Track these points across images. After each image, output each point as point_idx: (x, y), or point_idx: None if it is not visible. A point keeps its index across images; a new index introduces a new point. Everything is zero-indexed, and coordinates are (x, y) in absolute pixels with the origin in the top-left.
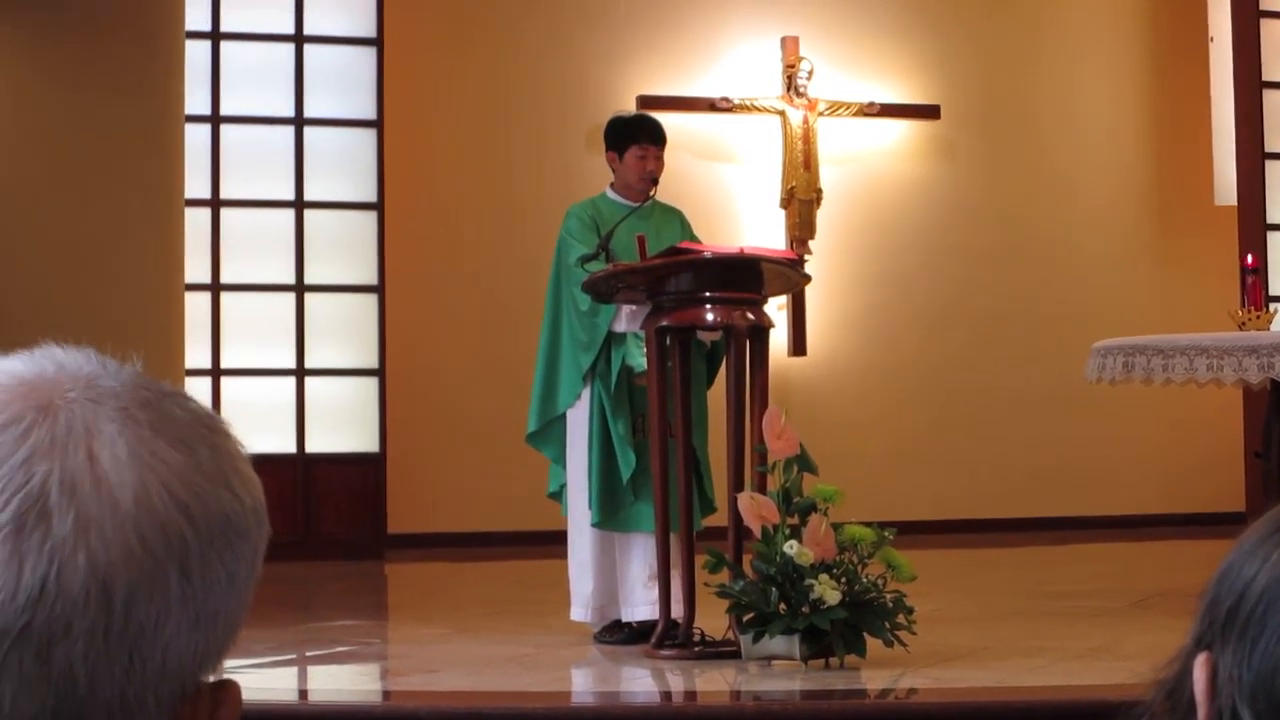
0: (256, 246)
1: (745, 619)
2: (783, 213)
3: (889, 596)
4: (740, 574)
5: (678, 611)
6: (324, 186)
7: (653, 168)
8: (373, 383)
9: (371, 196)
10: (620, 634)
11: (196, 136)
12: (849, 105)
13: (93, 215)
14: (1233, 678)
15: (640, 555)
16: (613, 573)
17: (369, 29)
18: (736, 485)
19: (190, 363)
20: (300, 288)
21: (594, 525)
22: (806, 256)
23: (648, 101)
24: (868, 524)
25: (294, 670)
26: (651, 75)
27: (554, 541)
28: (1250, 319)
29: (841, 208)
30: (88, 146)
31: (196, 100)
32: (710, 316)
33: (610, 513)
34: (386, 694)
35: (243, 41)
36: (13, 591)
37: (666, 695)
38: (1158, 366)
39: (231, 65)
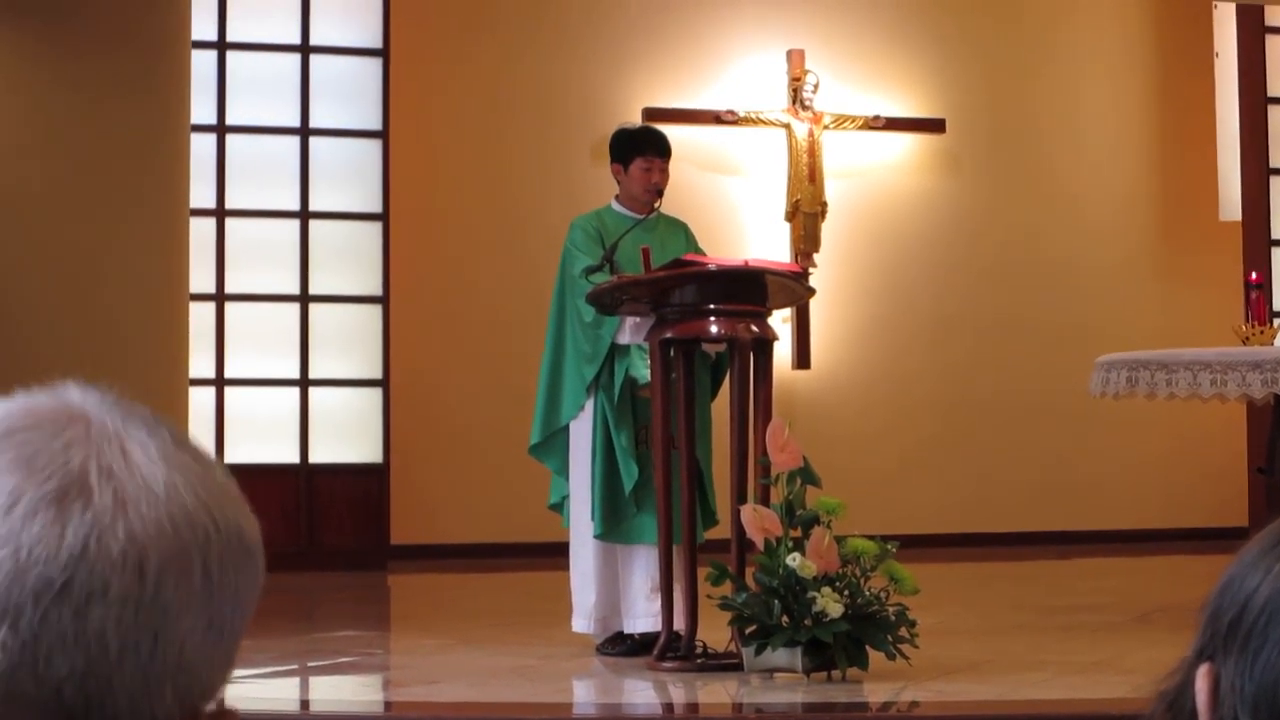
0: (261, 257)
1: (747, 631)
2: (787, 226)
3: (891, 609)
4: (743, 586)
5: (680, 623)
6: (329, 197)
7: (658, 180)
8: (376, 393)
9: (376, 207)
10: (622, 646)
11: (202, 146)
12: (854, 119)
13: (97, 224)
14: (1235, 689)
15: (643, 567)
16: (615, 584)
17: (375, 39)
18: (739, 497)
19: (194, 372)
20: (305, 298)
21: (596, 537)
22: (811, 270)
23: (653, 114)
24: (871, 537)
25: (296, 680)
26: (657, 87)
27: (556, 553)
28: (1254, 334)
29: (846, 221)
30: (93, 155)
31: (202, 110)
32: (714, 329)
33: (613, 524)
34: (388, 705)
35: (249, 52)
36: (55, 549)
37: (669, 707)
38: (1161, 381)
39: (237, 75)
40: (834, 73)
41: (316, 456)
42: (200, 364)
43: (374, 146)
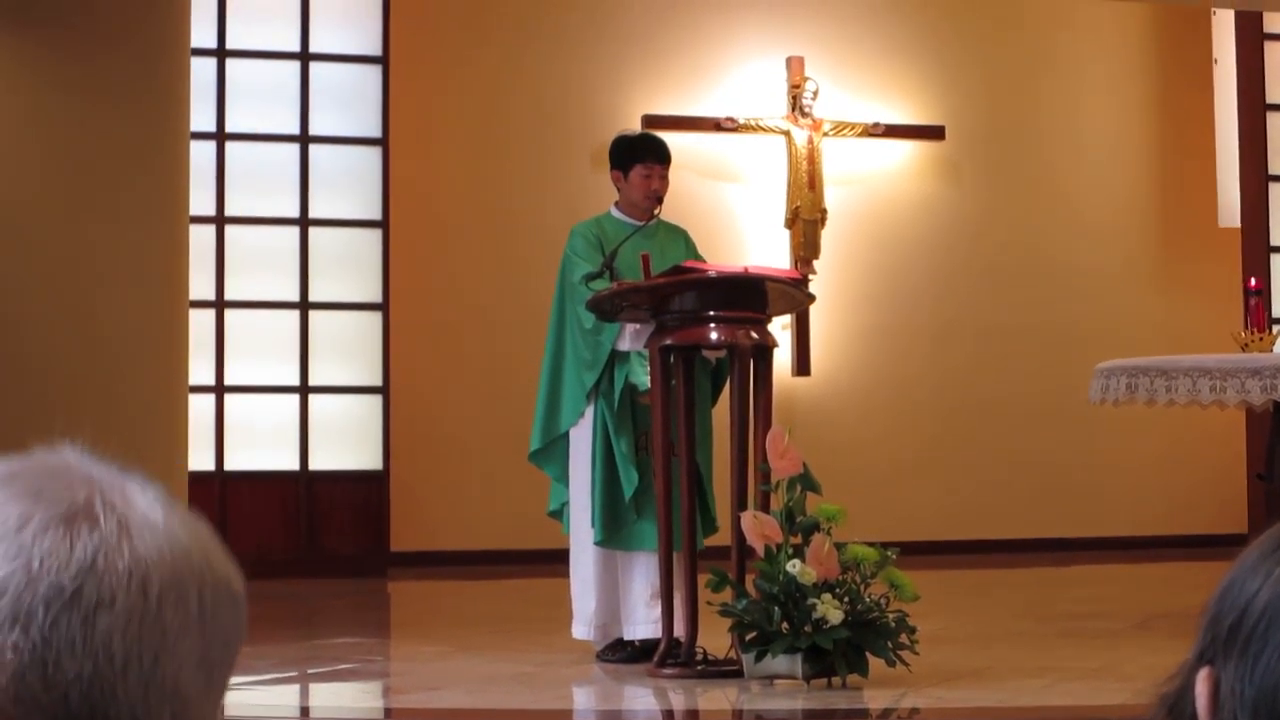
0: (261, 264)
1: (748, 638)
2: (787, 232)
3: (892, 616)
4: (743, 593)
5: (680, 630)
6: (329, 204)
7: (657, 187)
8: (376, 400)
9: (376, 214)
10: (622, 652)
11: (202, 153)
12: (854, 126)
13: (97, 231)
14: (1235, 693)
15: (643, 573)
16: (615, 591)
17: (375, 47)
18: (740, 504)
19: (194, 379)
20: (304, 305)
21: (597, 543)
22: (811, 276)
23: (653, 121)
24: (871, 543)
25: (296, 688)
26: (657, 94)
27: (556, 560)
28: (1253, 340)
29: (846, 228)
30: (92, 162)
31: (202, 117)
32: (714, 335)
33: (613, 531)
34: (388, 711)
35: (248, 59)
36: (66, 560)
37: (669, 714)
38: (1161, 388)
39: (237, 82)
40: (833, 80)
41: (316, 463)
42: (200, 371)
43: (374, 154)
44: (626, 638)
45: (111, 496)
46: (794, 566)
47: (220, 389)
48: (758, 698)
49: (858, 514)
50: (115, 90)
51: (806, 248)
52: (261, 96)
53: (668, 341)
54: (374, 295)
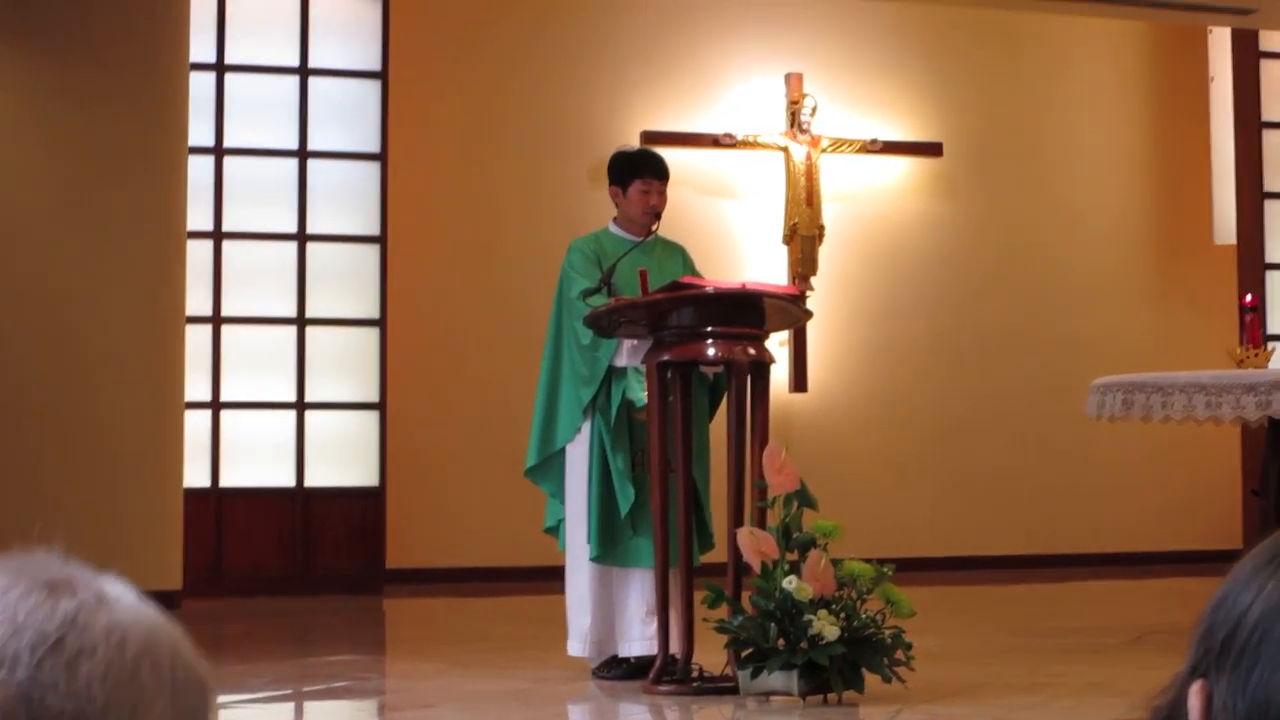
0: (258, 279)
1: (744, 654)
2: (785, 249)
3: (888, 632)
4: (739, 609)
5: (676, 647)
6: (327, 220)
7: (656, 203)
8: (373, 416)
9: (374, 230)
10: (618, 669)
11: (200, 168)
12: (852, 142)
13: (94, 245)
14: (1228, 706)
15: (639, 590)
16: (611, 607)
17: (373, 62)
18: (736, 520)
19: (190, 395)
20: (302, 321)
21: (592, 559)
22: (808, 292)
23: (651, 137)
24: (867, 560)
25: (291, 705)
26: (655, 110)
27: (552, 577)
28: (1248, 357)
29: (844, 244)
30: (90, 177)
31: (200, 132)
32: (711, 351)
33: (609, 547)
34: None
35: (247, 74)
36: (49, 615)
37: None
38: (1156, 404)
39: (236, 97)
40: (831, 96)
41: (313, 480)
42: (196, 387)
43: (372, 169)
44: (622, 654)
45: (88, 579)
46: (790, 583)
47: (216, 405)
48: (753, 714)
49: (854, 529)
50: (114, 106)
51: (804, 264)
52: (260, 111)
53: (665, 357)
54: (372, 311)
